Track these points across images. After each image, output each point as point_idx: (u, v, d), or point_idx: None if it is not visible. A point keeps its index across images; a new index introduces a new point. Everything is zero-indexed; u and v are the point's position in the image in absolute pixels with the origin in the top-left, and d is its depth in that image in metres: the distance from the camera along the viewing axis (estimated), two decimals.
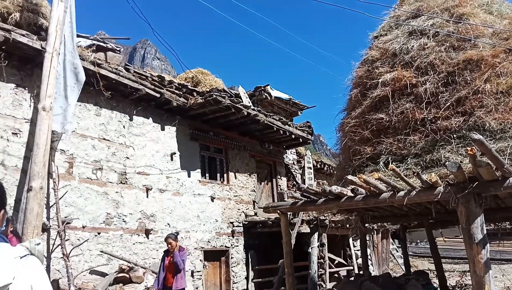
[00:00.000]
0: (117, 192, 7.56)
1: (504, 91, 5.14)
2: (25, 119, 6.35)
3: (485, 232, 4.19)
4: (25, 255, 1.21)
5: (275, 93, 14.33)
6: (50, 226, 6.37)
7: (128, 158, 7.98)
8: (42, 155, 4.36)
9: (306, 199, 5.39)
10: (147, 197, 8.12)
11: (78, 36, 7.32)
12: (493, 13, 6.47)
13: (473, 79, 5.40)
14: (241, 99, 12.44)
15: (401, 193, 4.71)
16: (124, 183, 7.76)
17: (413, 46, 6.35)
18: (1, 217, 1.35)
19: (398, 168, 5.37)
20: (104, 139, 7.64)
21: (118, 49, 8.67)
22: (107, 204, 7.32)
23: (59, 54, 6.11)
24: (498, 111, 5.02)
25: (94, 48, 7.88)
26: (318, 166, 16.68)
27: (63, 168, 6.75)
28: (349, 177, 4.56)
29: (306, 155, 15.71)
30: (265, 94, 13.84)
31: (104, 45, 8.26)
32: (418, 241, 23.07)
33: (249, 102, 13.03)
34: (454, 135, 5.16)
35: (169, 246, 6.08)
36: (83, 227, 6.88)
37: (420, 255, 21.18)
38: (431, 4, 7.02)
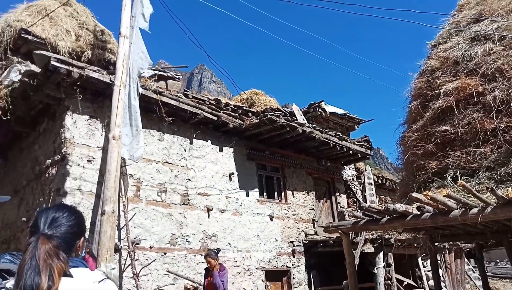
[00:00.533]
0: (180, 213, 7.88)
1: None
2: (97, 147, 6.92)
3: None
4: (102, 280, 1.32)
5: (329, 108, 14.18)
6: (121, 247, 6.77)
7: (189, 180, 8.31)
8: (113, 181, 4.71)
9: (368, 218, 5.20)
10: (208, 217, 8.35)
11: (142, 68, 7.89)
12: None
13: None
14: (295, 117, 12.48)
15: (474, 210, 4.38)
16: (187, 204, 8.07)
17: (476, 52, 5.99)
18: (81, 244, 1.46)
19: (469, 183, 5.02)
20: (167, 162, 8.05)
21: (177, 76, 9.19)
22: (171, 225, 7.65)
23: (125, 85, 6.62)
24: None
25: (156, 78, 8.43)
26: (379, 181, 16.04)
27: (131, 191, 7.20)
28: (414, 194, 4.34)
29: (365, 170, 15.21)
30: (320, 110, 13.76)
31: (165, 74, 8.81)
32: (498, 260, 21.01)
33: (303, 119, 13.02)
34: None
35: (209, 265, 5.78)
36: (150, 247, 7.23)
37: (501, 276, 19.22)
38: (494, 6, 6.61)
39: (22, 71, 7.11)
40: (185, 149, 8.52)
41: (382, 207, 4.81)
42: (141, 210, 7.26)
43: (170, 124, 8.19)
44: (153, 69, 8.96)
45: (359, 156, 11.99)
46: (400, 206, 4.69)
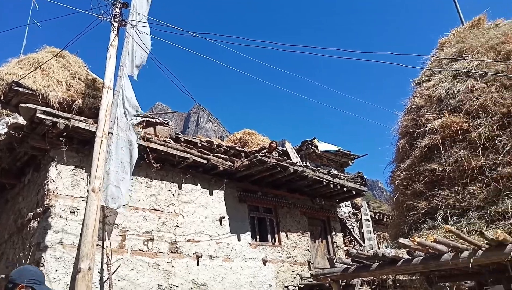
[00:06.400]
0: (168, 262, 7.59)
1: None
2: (82, 197, 6.77)
3: None
4: None
5: (322, 146, 14.17)
6: None
7: (178, 226, 8.09)
8: (91, 236, 4.54)
9: (358, 264, 5.00)
10: (198, 265, 8.05)
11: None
12: None
13: None
14: (288, 155, 12.43)
15: (466, 253, 4.22)
16: (175, 252, 7.80)
17: (459, 89, 6.03)
18: None
19: (459, 223, 4.88)
20: (154, 209, 7.87)
21: (166, 122, 9.20)
22: (158, 275, 7.34)
23: (111, 134, 6.58)
24: None
25: (144, 124, 8.42)
26: (377, 217, 15.71)
27: (116, 241, 6.98)
28: (401, 240, 4.19)
29: (362, 206, 14.96)
30: (313, 147, 13.74)
31: (153, 120, 8.83)
32: None
33: (296, 157, 12.96)
34: None
35: None
36: None
37: None
38: (474, 44, 6.75)
39: (9, 124, 7.11)
40: (173, 195, 8.36)
41: (371, 253, 4.62)
42: (126, 261, 6.99)
43: (158, 170, 8.09)
44: (141, 116, 8.99)
45: (354, 193, 11.82)
46: (389, 251, 4.51)
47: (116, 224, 7.13)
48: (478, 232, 3.95)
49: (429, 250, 4.28)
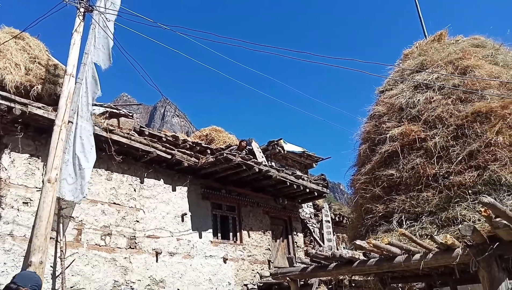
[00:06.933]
0: (125, 257, 7.42)
1: None
2: (36, 188, 6.47)
3: None
4: None
5: (288, 147, 14.36)
6: None
7: (138, 221, 7.92)
8: (45, 228, 4.35)
9: (316, 264, 5.11)
10: (157, 261, 7.92)
11: (94, 105, 7.64)
12: (498, 64, 6.39)
13: (484, 132, 5.23)
14: (254, 154, 12.50)
15: (417, 256, 4.43)
16: (133, 248, 7.63)
17: (419, 100, 6.28)
18: None
19: (413, 227, 5.11)
20: (114, 203, 7.66)
21: (130, 114, 8.98)
22: (115, 271, 7.16)
23: (71, 123, 6.34)
24: None
25: (107, 115, 8.17)
26: (337, 219, 16.14)
27: (72, 235, 6.73)
28: (358, 242, 4.33)
29: (323, 207, 15.30)
30: (278, 148, 13.89)
31: (117, 111, 8.58)
32: None
33: (262, 157, 13.05)
34: (469, 191, 4.91)
35: None
36: None
37: None
38: (435, 58, 7.05)
39: None
40: (135, 189, 8.18)
41: (329, 253, 4.75)
42: (82, 255, 6.76)
43: (120, 163, 7.88)
44: (105, 106, 8.72)
45: (316, 194, 12.08)
46: (346, 253, 4.66)
47: (73, 217, 6.88)
48: (429, 236, 4.16)
49: (384, 252, 4.45)
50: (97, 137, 7.21)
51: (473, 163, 5.07)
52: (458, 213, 4.74)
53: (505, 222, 3.52)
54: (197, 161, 9.29)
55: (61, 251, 6.27)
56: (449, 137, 5.47)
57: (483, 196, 3.41)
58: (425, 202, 5.20)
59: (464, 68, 6.31)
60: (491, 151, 4.99)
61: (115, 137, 7.65)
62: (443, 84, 6.25)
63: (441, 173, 5.27)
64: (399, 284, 11.08)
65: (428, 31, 8.75)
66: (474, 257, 3.96)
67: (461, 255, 4.07)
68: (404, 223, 5.20)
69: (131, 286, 7.32)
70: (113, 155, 7.51)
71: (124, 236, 7.57)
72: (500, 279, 3.83)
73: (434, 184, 5.25)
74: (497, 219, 3.51)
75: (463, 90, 5.84)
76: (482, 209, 3.49)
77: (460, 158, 5.20)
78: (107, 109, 8.32)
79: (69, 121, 6.05)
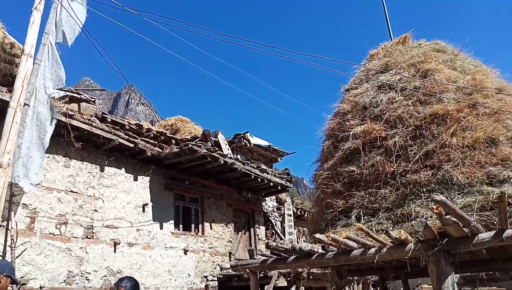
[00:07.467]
0: (81, 247, 7.18)
1: (469, 145, 5.18)
2: None
3: None
4: None
5: (254, 140, 14.41)
6: None
7: (96, 211, 7.67)
8: None
9: (276, 256, 5.18)
10: (115, 252, 7.73)
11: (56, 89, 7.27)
12: (456, 69, 6.67)
13: (440, 133, 5.45)
14: (220, 146, 12.43)
15: (372, 250, 4.59)
16: (90, 238, 7.40)
17: (382, 99, 6.45)
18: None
19: (370, 222, 5.28)
20: (71, 191, 7.37)
21: (92, 99, 8.64)
22: (69, 261, 6.91)
23: (28, 106, 6.00)
24: (465, 165, 5.03)
25: (67, 100, 7.82)
26: (299, 213, 16.44)
27: (24, 223, 6.42)
28: (317, 235, 4.43)
29: (286, 202, 15.52)
30: (245, 141, 13.91)
31: (78, 96, 8.23)
32: (402, 289, 22.47)
33: (228, 149, 13.01)
34: (424, 189, 5.12)
35: None
36: (41, 287, 6.42)
37: None
38: (399, 60, 7.26)
39: None
40: (94, 177, 7.91)
41: (289, 246, 4.82)
42: (34, 245, 6.47)
43: (79, 150, 7.59)
44: (65, 90, 8.33)
45: (279, 188, 12.21)
46: (306, 246, 4.75)
47: (26, 205, 6.55)
48: (384, 231, 4.32)
49: (341, 246, 4.58)
50: (56, 122, 6.88)
51: (429, 162, 5.29)
52: (413, 210, 4.94)
53: (454, 219, 3.71)
54: (161, 151, 9.12)
55: (12, 239, 5.96)
56: (408, 137, 5.67)
57: (436, 194, 3.58)
58: (383, 199, 5.38)
59: (425, 71, 6.54)
60: (445, 152, 5.22)
61: (75, 123, 7.36)
62: (405, 86, 6.46)
63: (398, 171, 5.46)
64: (355, 277, 11.53)
65: (395, 32, 9.00)
66: (425, 251, 4.16)
67: (413, 249, 4.26)
68: (362, 218, 5.36)
69: (86, 277, 7.10)
70: (72, 141, 7.23)
71: (81, 225, 7.31)
72: (447, 273, 4.04)
73: (392, 182, 5.43)
74: (447, 216, 3.70)
75: (423, 93, 6.06)
76: (434, 207, 3.66)
77: (417, 157, 5.40)
78: (68, 93, 7.95)
79: (25, 104, 5.73)
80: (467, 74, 6.40)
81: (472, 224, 3.87)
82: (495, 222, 4.02)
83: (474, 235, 4.02)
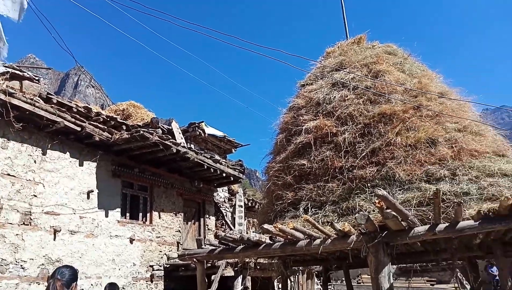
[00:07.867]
0: (17, 234, 6.74)
1: (412, 144, 5.48)
2: None
3: (392, 281, 4.31)
4: None
5: (209, 130, 14.27)
6: None
7: (35, 196, 7.22)
8: None
9: (224, 246, 5.20)
10: (54, 239, 7.34)
11: None
12: (405, 72, 7.01)
13: (386, 132, 5.71)
14: (173, 135, 12.17)
15: (317, 241, 4.74)
16: (28, 224, 6.96)
17: (335, 96, 6.64)
18: (74, 287, 2.43)
19: (317, 215, 5.45)
20: (8, 174, 6.88)
21: (37, 78, 8.08)
22: (3, 249, 6.47)
23: None
24: (407, 163, 5.31)
25: (8, 76, 7.25)
26: (250, 204, 16.60)
27: None
28: (265, 226, 4.50)
29: (238, 193, 15.59)
30: (199, 130, 13.74)
31: (21, 73, 7.66)
32: (343, 278, 23.57)
33: (182, 138, 12.77)
34: (369, 184, 5.35)
35: None
36: None
37: None
38: (353, 59, 7.50)
39: None
40: (35, 161, 7.42)
41: (237, 236, 4.85)
42: None
43: (19, 130, 7.08)
44: (6, 66, 7.71)
45: (232, 179, 12.23)
46: (254, 236, 4.80)
47: None
48: (329, 223, 4.47)
49: (288, 236, 4.69)
50: None
51: (374, 159, 5.53)
52: (357, 204, 5.16)
53: (394, 213, 3.93)
54: (110, 136, 8.76)
55: None
56: (357, 134, 5.89)
57: (378, 189, 3.76)
58: (330, 192, 5.56)
59: (376, 72, 6.81)
60: (390, 150, 5.49)
61: (15, 102, 6.85)
62: (357, 85, 6.69)
63: (346, 167, 5.66)
64: (300, 267, 11.89)
65: (352, 32, 9.25)
66: (366, 243, 4.37)
67: (355, 241, 4.46)
68: (309, 210, 5.52)
69: (21, 265, 6.68)
70: (11, 121, 6.72)
71: (18, 211, 6.86)
72: (384, 263, 4.28)
73: (339, 176, 5.63)
74: (388, 210, 3.91)
75: (373, 92, 6.32)
76: (377, 201, 3.85)
77: (364, 154, 5.63)
78: (9, 69, 7.37)
79: None
80: (414, 77, 6.74)
81: (409, 218, 4.12)
82: (430, 217, 4.30)
83: (410, 229, 4.28)
